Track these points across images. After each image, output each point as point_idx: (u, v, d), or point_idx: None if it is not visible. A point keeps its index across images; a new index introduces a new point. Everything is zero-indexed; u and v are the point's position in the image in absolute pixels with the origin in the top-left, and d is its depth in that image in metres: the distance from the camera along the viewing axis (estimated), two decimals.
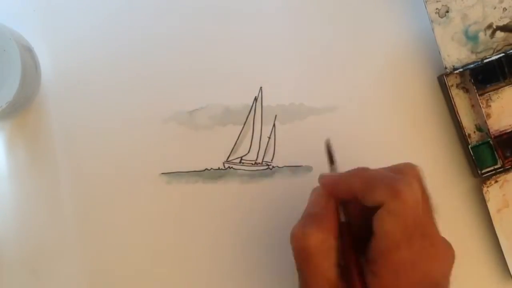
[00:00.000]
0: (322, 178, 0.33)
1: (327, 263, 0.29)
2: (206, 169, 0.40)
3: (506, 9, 0.39)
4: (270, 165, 0.41)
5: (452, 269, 0.30)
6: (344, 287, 0.29)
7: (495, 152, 0.40)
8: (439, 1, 0.39)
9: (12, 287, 0.39)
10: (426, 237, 0.30)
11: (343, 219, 0.31)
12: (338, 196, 0.31)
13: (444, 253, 0.31)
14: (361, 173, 0.31)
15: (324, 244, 0.29)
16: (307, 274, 0.29)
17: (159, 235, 0.39)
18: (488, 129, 0.40)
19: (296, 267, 0.30)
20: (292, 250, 0.30)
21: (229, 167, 0.40)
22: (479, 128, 0.41)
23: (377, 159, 0.41)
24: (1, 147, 0.39)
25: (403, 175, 0.30)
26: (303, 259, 0.29)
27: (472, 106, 0.41)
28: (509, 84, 0.41)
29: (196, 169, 0.40)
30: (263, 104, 0.40)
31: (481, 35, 0.39)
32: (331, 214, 0.31)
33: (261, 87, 0.40)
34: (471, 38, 0.39)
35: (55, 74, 0.39)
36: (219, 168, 0.40)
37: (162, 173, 0.39)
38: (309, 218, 0.31)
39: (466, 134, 0.40)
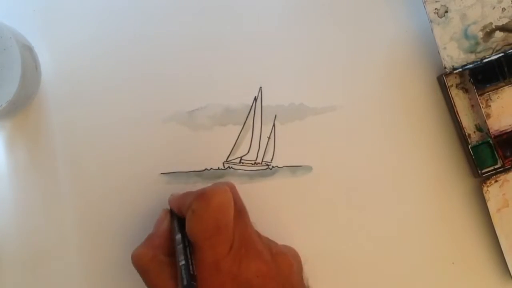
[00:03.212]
0: (169, 197, 0.36)
1: (162, 277, 0.31)
2: (206, 169, 0.40)
3: (505, 9, 0.39)
4: (270, 165, 0.41)
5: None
6: None
7: (495, 152, 0.40)
8: (438, 1, 0.39)
9: (12, 287, 0.38)
10: (243, 243, 0.32)
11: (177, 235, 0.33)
12: (177, 212, 0.34)
13: (261, 265, 0.32)
14: (191, 191, 0.34)
15: (154, 260, 0.32)
16: None
17: None
18: (488, 129, 0.40)
19: None
20: None
21: (228, 167, 0.40)
22: (479, 128, 0.41)
23: (377, 159, 0.41)
24: (1, 146, 0.39)
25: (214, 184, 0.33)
26: (142, 275, 0.32)
27: (472, 106, 0.41)
28: (508, 84, 0.41)
29: (196, 169, 0.40)
30: (263, 104, 0.40)
31: (480, 35, 0.39)
32: (162, 233, 0.33)
33: (261, 87, 0.40)
34: (470, 38, 0.39)
35: (55, 73, 0.39)
36: (219, 168, 0.40)
37: (162, 173, 0.39)
38: (146, 238, 0.34)
39: (466, 134, 0.40)
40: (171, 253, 0.32)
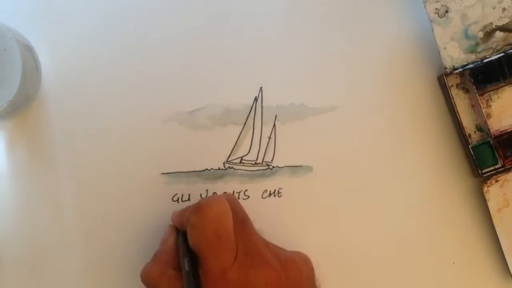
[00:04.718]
0: (172, 214, 0.36)
1: None
2: (206, 169, 0.40)
3: (505, 9, 0.39)
4: (270, 165, 0.41)
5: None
6: None
7: (496, 152, 0.40)
8: (439, 1, 0.39)
9: (12, 287, 0.38)
10: (249, 251, 0.32)
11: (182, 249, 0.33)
12: (181, 228, 0.34)
13: (269, 272, 0.32)
14: (189, 205, 0.34)
15: (163, 276, 0.32)
16: None
17: (159, 235, 0.39)
18: (489, 129, 0.40)
19: None
20: None
21: (229, 167, 0.40)
22: (479, 128, 0.41)
23: (378, 159, 0.41)
24: (1, 146, 0.39)
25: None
26: None
27: (472, 106, 0.41)
28: (509, 84, 0.41)
29: (196, 169, 0.40)
30: (263, 104, 0.40)
31: (481, 35, 0.39)
32: (169, 248, 0.34)
33: (261, 87, 0.40)
34: (471, 38, 0.39)
35: (55, 74, 0.39)
36: (219, 168, 0.40)
37: (162, 173, 0.39)
38: (154, 256, 0.34)
39: (467, 134, 0.40)
40: (180, 268, 0.32)
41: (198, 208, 0.32)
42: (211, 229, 0.31)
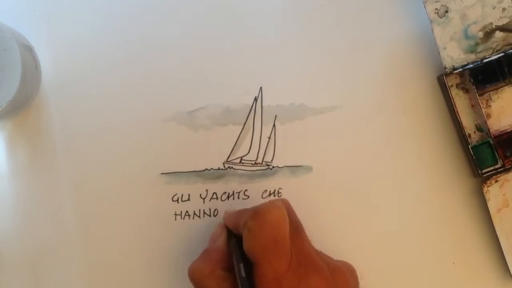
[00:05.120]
0: (224, 214, 0.36)
1: None
2: (206, 169, 0.40)
3: (505, 9, 0.39)
4: (270, 165, 0.41)
5: None
6: None
7: (495, 152, 0.40)
8: (438, 1, 0.39)
9: (12, 287, 0.38)
10: (302, 259, 0.31)
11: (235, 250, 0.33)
12: (232, 229, 0.34)
13: (320, 281, 0.31)
14: (245, 209, 0.35)
15: (212, 275, 0.32)
16: None
17: (159, 235, 0.39)
18: (488, 129, 0.40)
19: None
20: None
21: (229, 167, 0.40)
22: (479, 128, 0.41)
23: (377, 159, 0.41)
24: (1, 146, 0.39)
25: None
26: None
27: (472, 106, 0.41)
28: (508, 84, 0.41)
29: (196, 169, 0.40)
30: (263, 104, 0.40)
31: (480, 35, 0.39)
32: (219, 247, 0.34)
33: (261, 87, 0.40)
34: (471, 38, 0.39)
35: (55, 74, 0.39)
36: (219, 168, 0.40)
37: (162, 173, 0.39)
38: (202, 253, 0.34)
39: (466, 134, 0.40)
40: (229, 268, 0.32)
41: (257, 213, 0.31)
42: (269, 235, 0.31)
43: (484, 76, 0.41)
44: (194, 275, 0.32)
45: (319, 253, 0.34)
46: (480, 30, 0.39)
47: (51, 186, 0.39)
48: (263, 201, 0.40)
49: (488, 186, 0.39)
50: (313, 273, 0.31)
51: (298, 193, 0.41)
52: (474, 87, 0.40)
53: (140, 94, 0.40)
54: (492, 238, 0.41)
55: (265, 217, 0.31)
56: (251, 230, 0.31)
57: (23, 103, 0.37)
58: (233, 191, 0.40)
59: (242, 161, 0.40)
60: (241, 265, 0.31)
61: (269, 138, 0.41)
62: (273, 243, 0.30)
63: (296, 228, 0.33)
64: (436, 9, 0.39)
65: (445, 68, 0.39)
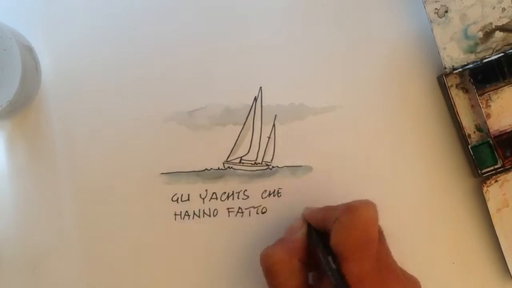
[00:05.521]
0: (305, 210, 0.36)
1: (291, 283, 0.31)
2: (206, 169, 0.40)
3: (505, 9, 0.39)
4: (270, 165, 0.41)
5: None
6: None
7: (495, 152, 0.40)
8: (438, 1, 0.39)
9: (12, 287, 0.38)
10: (383, 265, 0.31)
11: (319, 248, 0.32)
12: (315, 225, 0.34)
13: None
14: (332, 205, 0.34)
15: (287, 264, 0.31)
16: None
17: (159, 235, 0.39)
18: (488, 129, 0.40)
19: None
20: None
21: (229, 167, 0.40)
22: (479, 128, 0.41)
23: (377, 159, 0.41)
24: (1, 146, 0.39)
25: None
26: (269, 277, 0.32)
27: (472, 106, 0.41)
28: (508, 84, 0.41)
29: (196, 169, 0.40)
30: (263, 104, 0.40)
31: (480, 35, 0.39)
32: (297, 239, 0.33)
33: (261, 87, 0.40)
34: (470, 38, 0.39)
35: (55, 74, 0.39)
36: (219, 168, 0.40)
37: (162, 173, 0.39)
38: (278, 241, 0.34)
39: (466, 134, 0.40)
40: (305, 261, 0.32)
41: (351, 208, 0.31)
42: (361, 232, 0.30)
43: (484, 76, 0.41)
44: (268, 259, 0.32)
45: (396, 262, 0.34)
46: (480, 30, 0.39)
47: (51, 186, 0.39)
48: (263, 201, 0.40)
49: (488, 186, 0.40)
50: (394, 280, 0.31)
51: (298, 193, 0.41)
52: (474, 87, 0.40)
53: (140, 94, 0.40)
54: (492, 238, 0.41)
55: (359, 213, 0.31)
56: (344, 224, 0.30)
57: (23, 103, 0.37)
58: (233, 191, 0.40)
59: (242, 161, 0.40)
60: (329, 257, 0.30)
61: (269, 138, 0.41)
62: (364, 241, 0.30)
63: (381, 233, 0.33)
64: (436, 9, 0.39)
65: (445, 68, 0.39)
